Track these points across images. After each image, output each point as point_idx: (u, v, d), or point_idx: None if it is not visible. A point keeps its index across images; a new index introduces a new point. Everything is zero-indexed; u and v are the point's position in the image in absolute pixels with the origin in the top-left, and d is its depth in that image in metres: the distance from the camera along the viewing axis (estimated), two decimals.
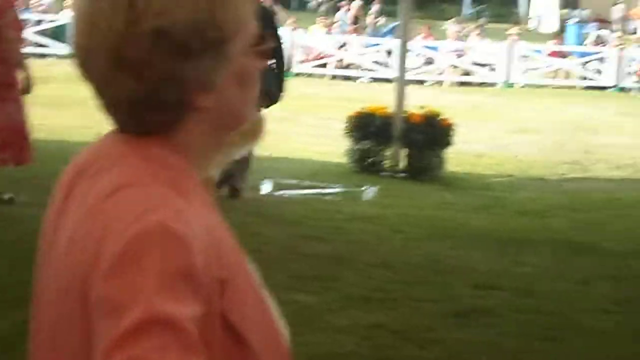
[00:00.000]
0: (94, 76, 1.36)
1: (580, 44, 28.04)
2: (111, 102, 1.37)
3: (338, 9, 29.12)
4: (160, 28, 1.30)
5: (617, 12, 44.36)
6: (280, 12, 23.85)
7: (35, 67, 19.12)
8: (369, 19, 28.93)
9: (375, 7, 28.47)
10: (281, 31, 9.80)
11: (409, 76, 19.23)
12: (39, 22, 22.17)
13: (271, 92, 8.40)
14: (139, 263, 1.21)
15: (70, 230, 1.33)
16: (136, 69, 1.31)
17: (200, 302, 1.24)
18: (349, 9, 26.88)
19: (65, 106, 12.80)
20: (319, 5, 50.53)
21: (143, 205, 1.26)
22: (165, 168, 1.34)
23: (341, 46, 22.98)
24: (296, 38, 21.80)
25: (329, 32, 23.08)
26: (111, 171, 1.33)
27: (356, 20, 26.72)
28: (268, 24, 8.45)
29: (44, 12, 23.46)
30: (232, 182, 8.68)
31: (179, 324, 1.19)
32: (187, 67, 1.32)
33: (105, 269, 1.22)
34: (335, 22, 25.18)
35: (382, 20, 26.74)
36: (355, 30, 24.12)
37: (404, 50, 11.16)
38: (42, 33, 21.94)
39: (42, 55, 20.46)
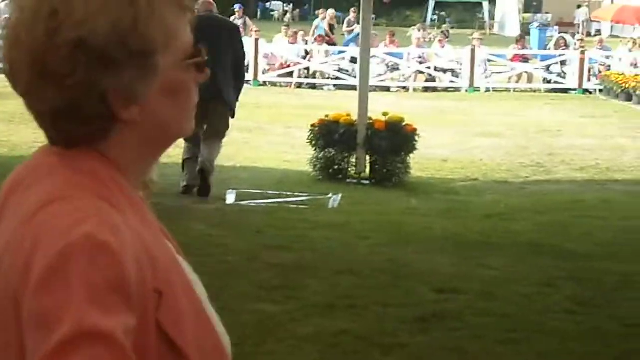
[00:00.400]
0: (20, 87, 1.36)
1: (543, 48, 28.29)
2: (37, 113, 1.37)
3: (315, 17, 29.24)
4: (81, 37, 1.29)
5: (580, 15, 44.86)
6: (247, 23, 23.98)
7: None
8: (345, 27, 29.04)
9: (350, 16, 28.43)
10: (245, 42, 9.96)
11: (373, 83, 19.42)
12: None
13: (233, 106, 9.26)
14: (67, 276, 1.20)
15: (3, 245, 1.33)
16: (57, 79, 1.31)
17: (133, 313, 1.24)
18: (324, 18, 26.98)
19: (27, 122, 12.58)
20: (284, 14, 50.66)
21: (72, 218, 1.26)
22: (96, 180, 1.34)
23: (305, 55, 23.03)
24: (260, 47, 21.82)
25: (292, 42, 23.10)
26: (42, 185, 1.33)
27: (331, 28, 26.82)
28: (232, 36, 9.28)
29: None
30: (203, 175, 9.16)
31: (110, 336, 1.19)
32: (108, 78, 1.31)
33: (34, 283, 1.22)
34: (303, 31, 25.24)
35: (357, 28, 26.77)
36: (328, 38, 24.23)
37: (365, 58, 11.20)
38: None
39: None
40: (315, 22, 27.22)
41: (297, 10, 54.29)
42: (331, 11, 27.60)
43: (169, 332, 1.31)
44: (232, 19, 25.76)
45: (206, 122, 9.08)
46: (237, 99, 9.41)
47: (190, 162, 9.40)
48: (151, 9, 1.34)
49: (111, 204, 1.31)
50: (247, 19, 25.05)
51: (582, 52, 22.55)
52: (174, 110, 1.40)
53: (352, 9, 28.31)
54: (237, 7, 26.30)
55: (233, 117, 9.38)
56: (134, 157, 1.39)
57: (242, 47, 9.59)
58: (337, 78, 22.15)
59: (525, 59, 23.96)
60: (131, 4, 1.32)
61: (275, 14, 50.93)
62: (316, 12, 30.25)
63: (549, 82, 22.89)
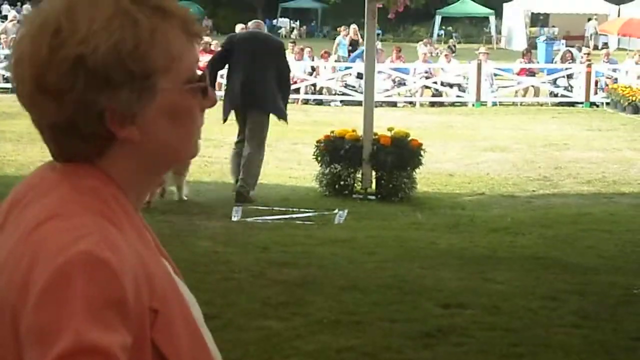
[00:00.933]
0: (24, 100, 1.39)
1: (550, 61, 28.28)
2: (40, 127, 1.40)
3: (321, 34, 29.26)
4: (81, 55, 1.32)
5: (590, 28, 44.91)
6: None
7: (5, 102, 19.06)
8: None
9: None
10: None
11: (380, 98, 19.43)
12: (8, 57, 22.13)
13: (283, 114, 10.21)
14: (65, 292, 1.22)
15: (1, 261, 1.34)
16: (56, 94, 1.33)
17: (130, 330, 1.25)
18: (347, 34, 26.99)
19: (34, 141, 12.75)
20: (291, 31, 50.82)
21: (71, 235, 1.28)
22: (96, 198, 1.35)
23: (312, 71, 23.07)
24: None
25: (298, 59, 23.13)
26: (41, 202, 1.35)
27: (355, 43, 26.84)
28: (276, 51, 10.34)
29: None
30: (242, 192, 9.92)
31: (107, 352, 1.20)
32: (105, 96, 1.34)
33: (33, 300, 1.23)
34: (310, 47, 25.31)
35: (379, 44, 26.60)
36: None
37: (370, 73, 11.23)
38: None
39: (13, 90, 20.40)
40: (337, 40, 27.19)
41: (304, 27, 54.46)
42: (354, 26, 27.55)
43: (164, 350, 1.32)
44: None
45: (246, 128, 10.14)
46: (285, 107, 10.32)
47: (235, 157, 10.34)
48: (154, 31, 1.36)
49: (111, 222, 1.33)
50: None
51: (589, 66, 22.53)
52: (174, 132, 1.41)
53: None
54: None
55: (285, 120, 10.33)
56: (134, 176, 1.41)
57: (286, 61, 10.49)
58: (343, 94, 22.18)
59: (531, 73, 23.97)
60: (134, 25, 1.34)
61: (283, 31, 51.09)
62: (337, 29, 30.13)
63: (556, 95, 22.86)
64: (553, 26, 47.00)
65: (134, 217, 1.40)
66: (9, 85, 21.22)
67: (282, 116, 10.26)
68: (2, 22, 31.23)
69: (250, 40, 10.35)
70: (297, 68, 22.79)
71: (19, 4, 46.79)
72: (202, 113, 1.45)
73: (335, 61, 24.54)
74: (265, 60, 10.02)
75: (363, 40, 28.97)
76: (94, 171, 1.38)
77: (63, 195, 1.35)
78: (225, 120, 10.08)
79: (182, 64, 1.40)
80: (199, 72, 1.44)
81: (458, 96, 22.72)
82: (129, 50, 1.33)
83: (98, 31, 1.32)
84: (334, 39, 30.35)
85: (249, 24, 11.32)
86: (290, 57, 23.72)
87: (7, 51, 22.70)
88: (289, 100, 22.00)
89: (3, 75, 22.12)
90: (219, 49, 10.59)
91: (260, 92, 9.90)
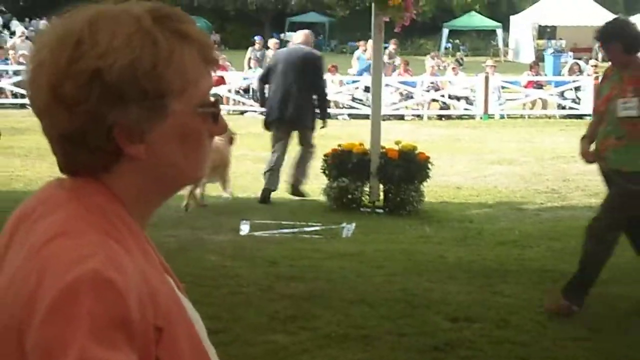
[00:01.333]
0: (37, 108, 1.41)
1: (558, 74, 28.29)
2: (49, 136, 1.41)
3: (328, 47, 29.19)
4: (98, 69, 1.34)
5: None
6: (266, 55, 24.04)
7: (14, 117, 19.11)
8: (386, 59, 28.87)
9: (391, 47, 27.81)
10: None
11: (387, 111, 19.44)
12: (17, 72, 22.21)
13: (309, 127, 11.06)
14: (71, 310, 1.23)
15: (9, 276, 1.36)
16: (70, 105, 1.35)
17: (135, 349, 1.26)
18: (365, 50, 27.00)
19: (42, 157, 12.81)
20: None
21: (77, 253, 1.29)
22: (102, 217, 1.37)
23: None
24: None
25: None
26: (49, 218, 1.37)
27: None
28: (313, 65, 11.00)
29: (22, 62, 23.52)
30: (295, 181, 10.94)
31: None
32: (117, 111, 1.36)
33: (39, 317, 1.25)
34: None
35: (398, 60, 26.39)
36: None
37: (377, 86, 11.24)
38: (21, 84, 21.96)
39: (22, 106, 20.51)
40: (356, 54, 27.13)
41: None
42: (372, 42, 27.44)
43: None
44: (249, 50, 25.93)
45: (286, 140, 11.04)
46: (323, 116, 11.17)
47: (269, 173, 11.02)
48: (172, 53, 1.38)
49: (116, 241, 1.34)
50: (266, 50, 25.23)
51: (596, 78, 22.50)
52: (181, 155, 1.43)
53: (393, 40, 27.36)
54: (257, 38, 26.54)
55: (323, 126, 11.16)
56: (140, 194, 1.42)
57: (320, 75, 11.27)
58: (351, 107, 22.20)
59: (539, 85, 23.95)
60: (154, 45, 1.36)
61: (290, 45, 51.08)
62: (356, 44, 30.04)
63: (564, 108, 22.84)
64: (560, 38, 46.99)
65: (138, 235, 1.41)
66: (17, 101, 21.32)
67: (307, 140, 11.07)
68: (11, 38, 31.37)
69: (287, 58, 11.17)
70: None
71: (27, 19, 47.03)
72: (211, 138, 1.46)
73: (354, 75, 24.53)
74: (300, 75, 10.78)
75: (381, 54, 29.00)
76: (101, 188, 1.40)
77: (71, 212, 1.37)
78: (266, 128, 11.14)
79: (197, 89, 1.42)
80: (212, 98, 1.45)
81: (465, 109, 22.72)
82: (146, 69, 1.35)
83: (118, 47, 1.35)
84: (342, 53, 30.30)
85: (294, 37, 12.12)
86: None
87: (15, 67, 22.78)
88: None
89: (12, 92, 22.20)
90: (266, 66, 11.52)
91: (302, 106, 10.77)
